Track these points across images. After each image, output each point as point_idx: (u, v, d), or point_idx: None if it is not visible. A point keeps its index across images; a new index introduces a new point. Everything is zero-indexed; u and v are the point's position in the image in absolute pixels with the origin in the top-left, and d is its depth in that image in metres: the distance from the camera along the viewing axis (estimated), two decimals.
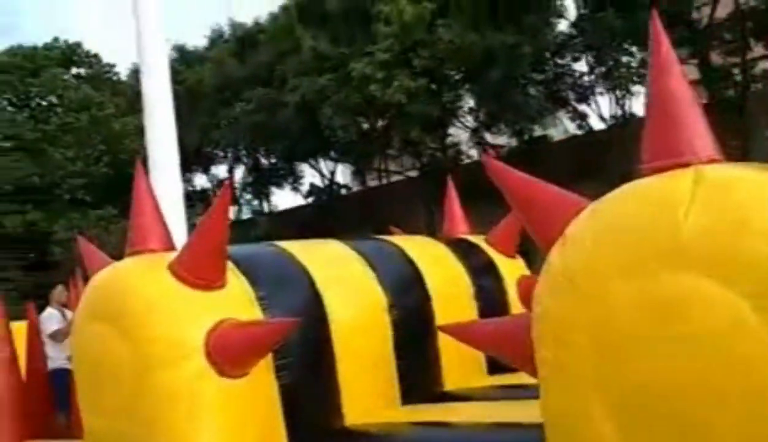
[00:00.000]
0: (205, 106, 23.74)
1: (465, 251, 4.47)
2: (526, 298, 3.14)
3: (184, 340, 2.83)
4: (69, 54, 27.67)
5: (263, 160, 27.26)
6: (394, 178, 24.92)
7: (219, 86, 24.05)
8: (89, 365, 3.13)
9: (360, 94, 18.68)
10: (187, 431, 2.80)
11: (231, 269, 3.10)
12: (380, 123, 21.90)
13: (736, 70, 17.47)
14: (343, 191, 27.41)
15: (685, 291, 1.60)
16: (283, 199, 29.76)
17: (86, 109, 24.84)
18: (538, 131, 21.30)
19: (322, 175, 26.72)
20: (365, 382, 3.42)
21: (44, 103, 26.36)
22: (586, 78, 19.89)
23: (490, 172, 2.16)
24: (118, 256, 3.30)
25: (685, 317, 1.61)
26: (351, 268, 3.70)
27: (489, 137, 22.47)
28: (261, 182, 27.74)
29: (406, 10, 17.84)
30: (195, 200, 23.33)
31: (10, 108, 26.08)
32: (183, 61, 25.59)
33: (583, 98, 20.22)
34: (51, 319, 6.65)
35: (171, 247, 3.21)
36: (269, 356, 2.98)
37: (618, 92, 19.15)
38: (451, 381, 3.92)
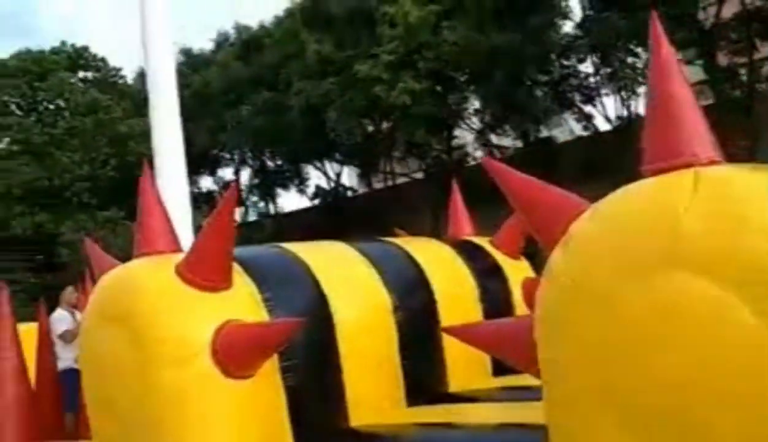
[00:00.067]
0: (211, 109, 23.82)
1: (470, 252, 4.48)
2: (531, 300, 3.15)
3: (191, 340, 2.85)
4: (76, 58, 27.79)
5: (269, 163, 27.32)
6: (400, 180, 24.92)
7: (225, 89, 24.14)
8: (97, 365, 3.16)
9: (365, 97, 18.70)
10: (194, 432, 2.83)
11: (237, 270, 3.12)
12: (385, 125, 21.92)
13: (742, 71, 17.41)
14: (349, 193, 27.43)
15: (685, 291, 1.61)
16: (289, 201, 29.85)
17: (93, 112, 24.95)
18: (543, 132, 21.27)
19: (327, 177, 26.77)
20: (370, 383, 3.43)
21: (52, 106, 26.49)
22: (591, 79, 19.87)
23: (492, 174, 2.18)
24: (124, 258, 3.33)
25: (686, 318, 1.62)
26: (356, 269, 3.72)
27: (494, 139, 22.46)
28: (267, 184, 27.81)
29: (411, 12, 17.85)
30: (201, 202, 23.40)
31: (18, 112, 26.22)
32: (189, 65, 25.68)
33: (589, 99, 20.19)
34: (61, 320, 6.70)
35: (178, 249, 3.23)
36: (275, 357, 3.00)
37: (624, 93, 19.13)
38: (456, 383, 3.93)
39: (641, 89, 18.15)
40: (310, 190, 27.16)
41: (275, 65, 22.81)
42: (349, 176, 28.32)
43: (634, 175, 1.91)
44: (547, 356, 1.89)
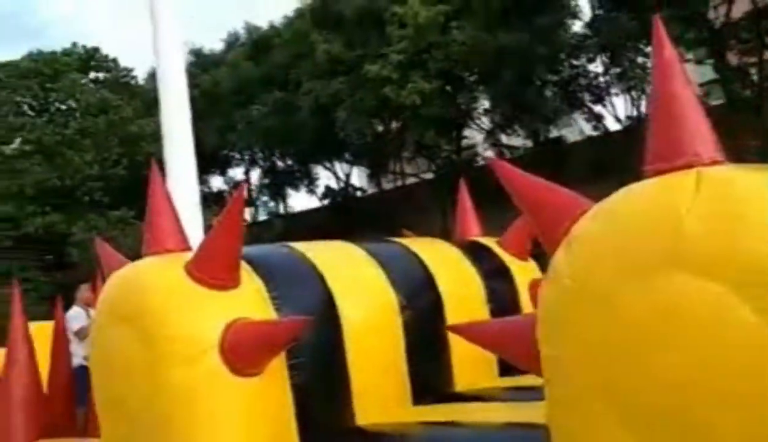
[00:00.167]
0: (221, 109, 23.91)
1: (477, 253, 4.49)
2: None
3: (200, 338, 2.87)
4: (87, 59, 27.97)
5: (279, 163, 27.39)
6: (409, 180, 24.93)
7: (235, 89, 24.21)
8: (106, 364, 3.19)
9: (374, 97, 18.73)
10: (203, 429, 2.85)
11: (245, 269, 3.14)
12: (394, 125, 21.93)
13: (753, 70, 17.32)
14: (358, 194, 27.46)
15: (687, 292, 1.63)
16: (299, 201, 29.94)
17: (104, 112, 25.10)
18: (553, 132, 21.23)
19: (337, 177, 26.81)
20: (377, 382, 3.45)
21: (63, 107, 26.66)
22: (601, 79, 19.81)
23: (498, 175, 2.19)
24: (134, 257, 3.36)
25: (687, 318, 1.63)
26: (363, 269, 3.74)
27: (504, 139, 22.43)
28: (277, 184, 27.89)
29: (420, 13, 17.86)
30: (211, 202, 23.49)
31: (30, 113, 26.41)
32: (200, 65, 25.78)
33: (599, 99, 20.14)
34: (76, 318, 6.80)
35: (187, 247, 3.26)
36: (282, 355, 3.02)
37: (633, 93, 19.07)
38: (462, 382, 3.94)
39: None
40: (320, 190, 27.23)
41: (285, 65, 22.87)
42: (358, 177, 28.35)
43: (641, 175, 1.92)
44: (549, 356, 1.90)
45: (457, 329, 2.70)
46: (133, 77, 29.11)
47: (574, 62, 19.80)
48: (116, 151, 24.84)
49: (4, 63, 26.85)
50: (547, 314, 1.92)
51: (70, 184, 24.14)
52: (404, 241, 4.38)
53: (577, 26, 19.49)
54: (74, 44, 28.08)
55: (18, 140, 25.13)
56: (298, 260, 3.53)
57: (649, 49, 17.21)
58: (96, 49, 28.41)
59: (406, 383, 3.65)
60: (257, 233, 23.35)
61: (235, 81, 24.30)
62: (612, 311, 1.73)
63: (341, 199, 26.56)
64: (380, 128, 22.22)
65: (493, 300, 4.29)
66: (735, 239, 1.59)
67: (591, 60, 19.66)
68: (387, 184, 26.20)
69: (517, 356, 2.35)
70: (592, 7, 18.89)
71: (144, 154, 22.52)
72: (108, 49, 32.79)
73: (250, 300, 3.07)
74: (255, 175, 28.59)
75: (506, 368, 4.01)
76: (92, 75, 28.25)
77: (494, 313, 4.19)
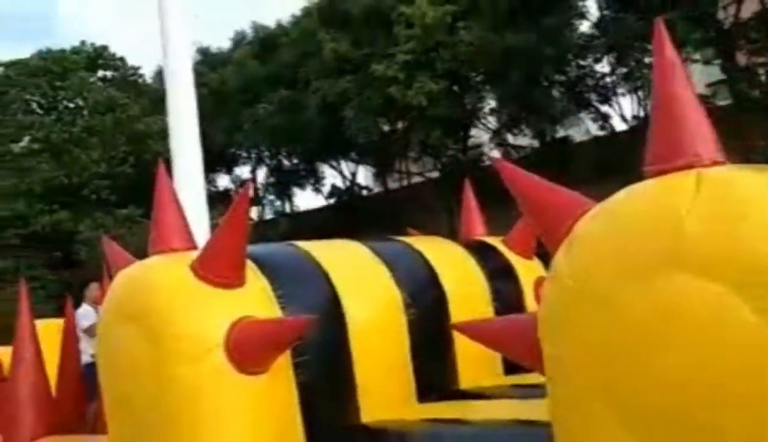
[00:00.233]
0: (228, 108, 23.98)
1: (482, 252, 4.50)
2: None
3: (205, 337, 2.90)
4: (95, 57, 28.09)
5: (285, 162, 27.45)
6: (415, 179, 24.94)
7: (242, 88, 24.29)
8: (113, 363, 3.21)
9: (381, 96, 18.76)
10: (209, 426, 2.88)
11: (251, 267, 3.17)
12: (401, 125, 21.95)
13: (761, 71, 17.26)
14: (364, 193, 27.49)
15: (687, 292, 1.64)
16: (305, 200, 29.97)
17: (111, 111, 25.20)
18: (560, 132, 21.22)
19: (343, 176, 26.84)
20: (381, 379, 3.47)
21: (71, 105, 26.79)
22: (608, 79, 19.79)
23: (501, 175, 2.21)
24: (141, 256, 3.39)
25: (687, 318, 1.64)
26: (368, 268, 3.75)
27: (511, 139, 22.43)
28: (283, 183, 27.94)
29: (427, 13, 17.88)
30: (218, 201, 23.57)
31: (38, 110, 26.54)
32: (207, 64, 25.86)
33: (605, 99, 20.12)
34: (86, 316, 6.86)
35: (193, 246, 3.29)
36: (287, 353, 3.05)
37: (640, 93, 19.04)
38: (466, 380, 3.96)
39: None
40: (326, 189, 27.27)
41: (292, 64, 22.94)
42: (364, 176, 28.39)
43: (642, 176, 1.94)
44: (550, 355, 1.92)
45: (461, 327, 2.72)
46: (141, 76, 29.25)
47: (581, 62, 19.80)
48: (123, 150, 24.95)
49: (13, 61, 27.02)
50: (548, 314, 1.93)
51: (78, 182, 24.26)
52: (409, 240, 4.39)
53: (585, 27, 19.51)
54: (83, 43, 28.25)
55: (26, 138, 25.26)
56: (303, 259, 3.55)
57: None
58: (104, 48, 28.55)
59: (411, 381, 3.66)
60: (263, 231, 23.42)
61: (242, 80, 24.38)
62: (612, 311, 1.75)
63: (347, 198, 26.60)
64: (387, 128, 22.24)
65: (497, 299, 4.29)
66: (735, 240, 1.60)
67: (598, 60, 19.66)
68: (393, 184, 26.23)
69: (519, 354, 2.37)
70: (600, 8, 18.89)
71: (151, 153, 22.62)
72: (116, 48, 32.97)
73: (256, 299, 3.09)
74: (261, 173, 28.70)
75: (511, 366, 4.03)
76: (100, 73, 28.41)
77: (499, 311, 4.20)
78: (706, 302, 1.62)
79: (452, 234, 5.18)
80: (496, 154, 22.79)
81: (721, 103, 18.24)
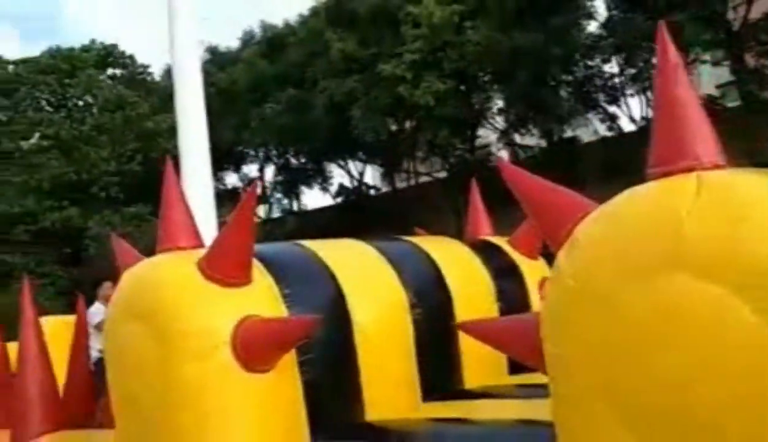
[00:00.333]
0: (236, 107, 24.03)
1: (487, 252, 4.52)
2: None
3: (212, 334, 2.92)
4: (105, 55, 28.20)
5: (293, 160, 27.49)
6: (423, 179, 24.94)
7: (250, 87, 24.34)
8: (120, 361, 3.24)
9: (389, 96, 18.77)
10: (214, 424, 2.90)
11: (257, 266, 3.19)
12: (408, 124, 21.96)
13: None
14: (372, 192, 27.50)
15: (687, 293, 1.65)
16: (313, 198, 30.02)
17: (120, 108, 25.30)
18: (568, 133, 21.17)
19: (351, 175, 26.86)
20: (386, 378, 3.49)
21: (81, 103, 26.91)
22: (615, 79, 19.74)
23: (504, 176, 2.23)
24: (150, 253, 3.41)
25: (687, 319, 1.66)
26: (374, 267, 3.77)
27: (518, 138, 22.40)
28: (290, 182, 27.98)
29: (435, 12, 17.88)
30: (226, 199, 23.63)
31: (48, 108, 26.68)
32: (215, 63, 25.94)
33: (613, 100, 20.07)
34: (98, 313, 6.89)
35: (200, 244, 3.31)
36: (293, 352, 3.07)
37: (648, 94, 18.98)
38: (471, 380, 3.98)
39: None
40: (333, 188, 27.29)
41: (300, 63, 22.97)
42: (372, 175, 28.40)
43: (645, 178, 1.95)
44: (553, 355, 1.94)
45: (465, 327, 2.73)
46: (150, 74, 29.33)
47: (589, 63, 19.76)
48: (132, 147, 25.02)
49: (23, 59, 27.17)
50: (550, 314, 1.95)
51: (87, 180, 24.35)
52: (415, 239, 4.41)
53: (592, 27, 19.46)
54: (92, 41, 28.36)
55: (36, 135, 25.39)
56: (309, 258, 3.57)
57: None
58: (113, 46, 28.65)
59: (416, 380, 3.68)
60: (270, 229, 23.46)
61: (251, 79, 24.43)
62: (613, 311, 1.76)
63: (354, 197, 26.61)
64: (394, 127, 22.25)
65: (502, 299, 4.31)
66: (735, 242, 1.62)
67: (606, 60, 19.61)
68: (400, 183, 26.22)
69: (523, 354, 2.38)
70: (608, 8, 18.83)
71: (159, 151, 22.66)
72: (125, 46, 33.11)
73: (262, 297, 3.11)
74: (269, 172, 28.73)
75: (516, 366, 4.04)
76: (109, 71, 28.50)
77: (504, 311, 4.21)
78: (707, 302, 1.63)
79: (459, 234, 5.19)
80: (503, 154, 22.79)
81: (730, 104, 18.18)
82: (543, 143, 21.53)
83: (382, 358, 3.49)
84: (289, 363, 3.06)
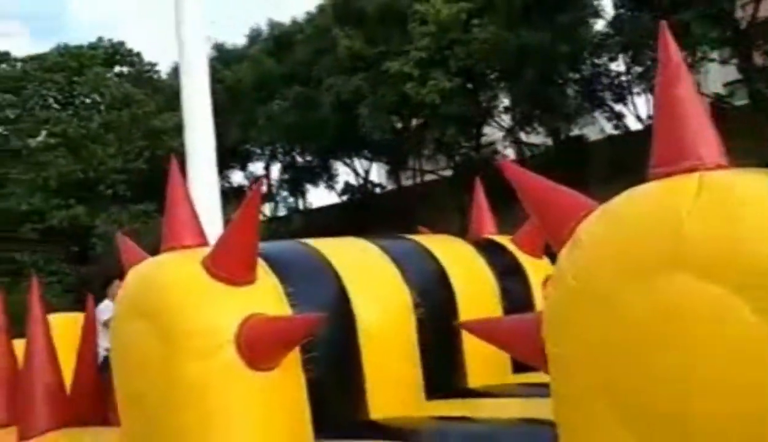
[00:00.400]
0: (243, 104, 24.06)
1: (491, 251, 4.51)
2: None
3: (216, 333, 2.93)
4: (112, 53, 28.27)
5: (299, 158, 27.50)
6: (429, 177, 24.91)
7: (257, 84, 24.34)
8: (125, 360, 3.26)
9: (395, 94, 18.76)
10: (218, 422, 2.91)
11: (261, 265, 3.20)
12: (415, 122, 21.94)
13: None
14: (377, 190, 27.49)
15: (687, 293, 1.66)
16: (318, 196, 30.01)
17: (127, 106, 25.36)
18: (574, 131, 21.12)
19: (356, 173, 26.86)
20: (390, 377, 3.50)
21: (88, 101, 26.98)
22: (623, 78, 19.69)
23: (507, 175, 2.23)
24: (155, 251, 3.43)
25: (687, 318, 1.66)
26: (377, 266, 3.78)
27: (524, 137, 22.36)
28: (296, 180, 28.00)
29: (442, 10, 17.86)
30: (232, 197, 23.67)
31: (55, 106, 26.76)
32: (222, 60, 25.96)
33: (620, 98, 20.01)
34: (107, 311, 6.92)
35: (204, 243, 3.32)
36: (297, 351, 3.08)
37: None
38: (475, 379, 3.98)
39: None
40: (339, 186, 27.30)
41: (307, 61, 22.98)
42: (377, 173, 28.38)
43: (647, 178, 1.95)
44: (554, 354, 1.94)
45: (469, 326, 2.74)
46: (156, 72, 29.38)
47: (596, 61, 19.71)
48: (139, 145, 25.08)
49: (31, 57, 27.26)
50: (552, 313, 1.96)
51: (94, 177, 24.43)
52: (418, 238, 4.42)
53: (600, 25, 19.42)
54: (100, 39, 28.41)
55: (43, 133, 25.48)
56: (313, 257, 3.58)
57: None
58: (121, 44, 28.70)
59: (420, 379, 3.69)
60: (276, 228, 23.49)
61: (257, 76, 24.44)
62: (614, 311, 1.77)
63: (360, 195, 26.61)
64: (400, 125, 22.24)
65: (506, 298, 4.31)
66: (735, 242, 1.62)
67: (613, 59, 19.56)
68: (406, 181, 26.20)
69: (526, 353, 2.39)
70: (615, 6, 18.78)
71: (166, 149, 22.71)
72: (132, 44, 33.15)
73: (266, 296, 3.12)
74: (275, 170, 28.75)
75: (520, 365, 4.04)
76: (116, 69, 28.56)
77: (507, 310, 4.21)
78: (707, 302, 1.64)
79: (464, 232, 5.19)
80: (509, 152, 22.75)
81: (738, 103, 18.11)
82: (549, 142, 21.49)
83: (385, 356, 3.50)
84: (293, 361, 3.07)
